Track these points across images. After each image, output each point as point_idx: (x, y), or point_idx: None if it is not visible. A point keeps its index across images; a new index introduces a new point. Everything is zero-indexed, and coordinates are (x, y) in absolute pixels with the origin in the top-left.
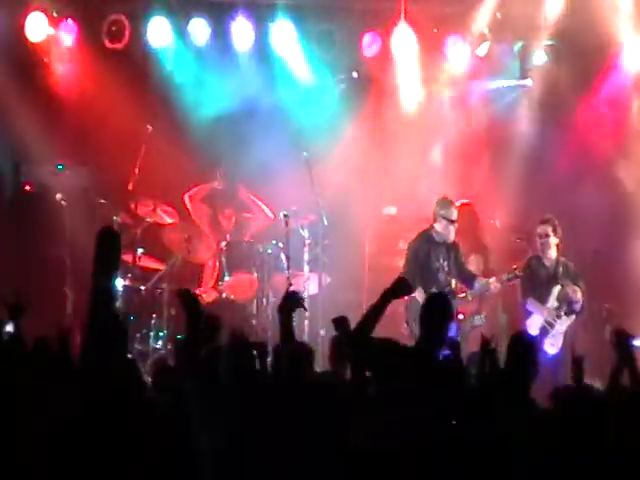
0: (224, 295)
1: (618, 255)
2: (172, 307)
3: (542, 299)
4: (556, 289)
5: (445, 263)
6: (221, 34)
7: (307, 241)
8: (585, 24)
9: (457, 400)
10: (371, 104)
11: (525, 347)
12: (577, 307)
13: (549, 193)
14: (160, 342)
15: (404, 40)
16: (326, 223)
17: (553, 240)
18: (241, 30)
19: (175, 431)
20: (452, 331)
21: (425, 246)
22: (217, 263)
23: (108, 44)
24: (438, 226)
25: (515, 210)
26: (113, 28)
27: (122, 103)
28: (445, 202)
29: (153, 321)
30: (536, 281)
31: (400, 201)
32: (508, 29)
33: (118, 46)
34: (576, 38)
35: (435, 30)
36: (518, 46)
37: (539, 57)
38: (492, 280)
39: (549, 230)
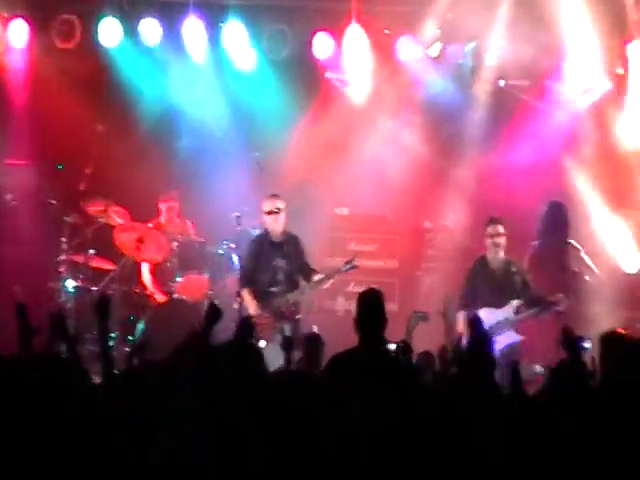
0: (176, 296)
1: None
2: (123, 308)
3: (494, 301)
4: (515, 302)
5: (284, 261)
6: (173, 34)
7: None
8: (536, 26)
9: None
10: (323, 104)
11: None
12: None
13: (499, 194)
14: (111, 343)
15: (356, 40)
16: None
17: (503, 240)
18: (193, 30)
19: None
20: None
21: (258, 247)
22: (168, 264)
23: (59, 44)
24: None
25: (465, 211)
26: (64, 28)
27: (73, 103)
28: (265, 196)
29: None
30: (481, 283)
31: (352, 201)
32: (460, 30)
33: (69, 46)
34: (526, 40)
35: (387, 31)
36: (470, 47)
37: (491, 58)
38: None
39: (500, 229)
